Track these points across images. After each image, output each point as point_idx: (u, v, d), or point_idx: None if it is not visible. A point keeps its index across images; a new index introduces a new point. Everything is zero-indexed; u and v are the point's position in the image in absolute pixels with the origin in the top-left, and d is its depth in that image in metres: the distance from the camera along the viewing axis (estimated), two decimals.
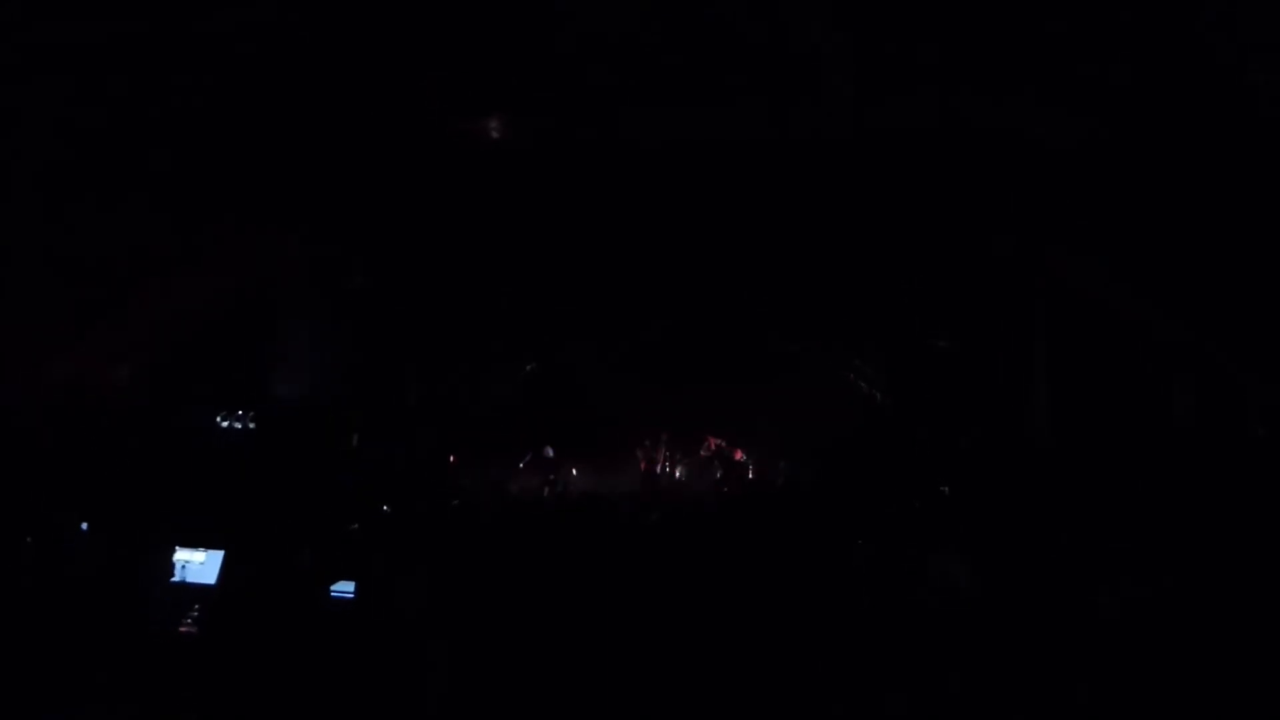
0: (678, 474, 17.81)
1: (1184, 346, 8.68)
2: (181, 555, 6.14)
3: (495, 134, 8.56)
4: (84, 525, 7.38)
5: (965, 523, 6.65)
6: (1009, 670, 3.54)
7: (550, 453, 17.35)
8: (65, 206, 9.27)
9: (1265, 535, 4.19)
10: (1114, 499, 5.54)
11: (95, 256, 11.21)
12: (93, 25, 6.59)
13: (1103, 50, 5.78)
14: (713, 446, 18.46)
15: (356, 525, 9.40)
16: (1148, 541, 4.36)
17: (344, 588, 5.60)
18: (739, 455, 18.19)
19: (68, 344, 12.65)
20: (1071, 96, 6.21)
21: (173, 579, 5.80)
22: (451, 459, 16.65)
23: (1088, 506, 5.78)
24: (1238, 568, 4.01)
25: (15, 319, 9.49)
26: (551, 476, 16.92)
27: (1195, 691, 3.26)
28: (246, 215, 12.03)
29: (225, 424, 8.88)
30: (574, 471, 17.65)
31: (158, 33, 6.83)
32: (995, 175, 8.39)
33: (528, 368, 18.93)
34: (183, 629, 5.07)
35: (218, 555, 6.14)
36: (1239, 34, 5.13)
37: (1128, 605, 3.82)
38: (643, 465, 17.56)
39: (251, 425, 8.73)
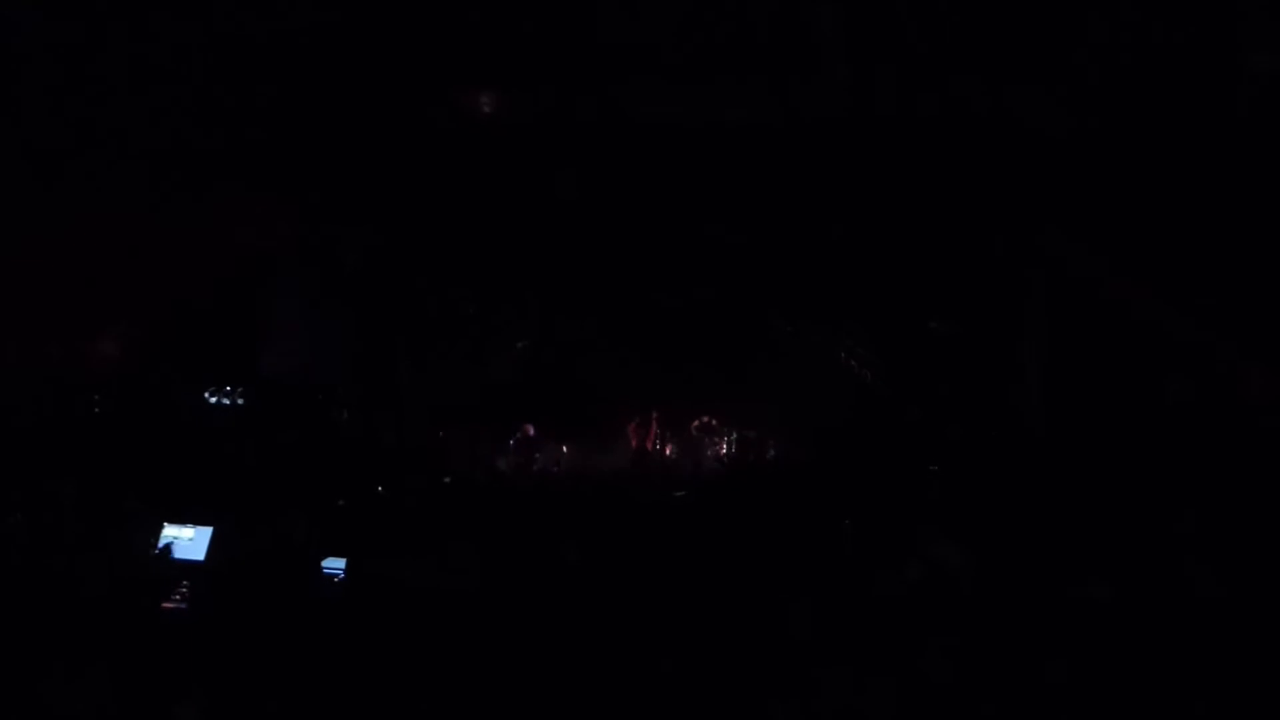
0: (668, 452, 17.83)
1: (1181, 333, 8.69)
2: (170, 532, 6.13)
3: (494, 112, 8.51)
4: (73, 501, 7.36)
5: (957, 504, 6.66)
6: (996, 652, 3.54)
7: (531, 431, 17.34)
8: (59, 182, 9.22)
9: (1259, 524, 4.20)
10: (1108, 485, 5.55)
11: (88, 232, 11.15)
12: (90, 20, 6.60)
13: (1100, 37, 5.76)
14: (704, 424, 18.47)
15: (343, 502, 9.40)
16: (1140, 530, 4.36)
17: (334, 564, 5.60)
18: (731, 434, 18.21)
19: (59, 319, 12.59)
20: (1069, 85, 6.20)
21: (160, 555, 5.79)
22: (441, 435, 16.64)
23: (1081, 492, 5.79)
24: (1232, 556, 4.02)
25: (6, 295, 9.44)
26: (536, 455, 16.90)
27: (1182, 683, 3.27)
28: (241, 191, 11.97)
29: (215, 400, 8.84)
30: (564, 449, 17.65)
31: (159, 21, 6.81)
32: (993, 161, 8.38)
33: (519, 345, 18.87)
34: (170, 605, 5.05)
35: (206, 532, 6.12)
36: (1237, 21, 5.11)
37: (1117, 593, 3.83)
38: (634, 443, 17.56)
39: (240, 402, 8.69)
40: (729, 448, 17.84)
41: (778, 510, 7.48)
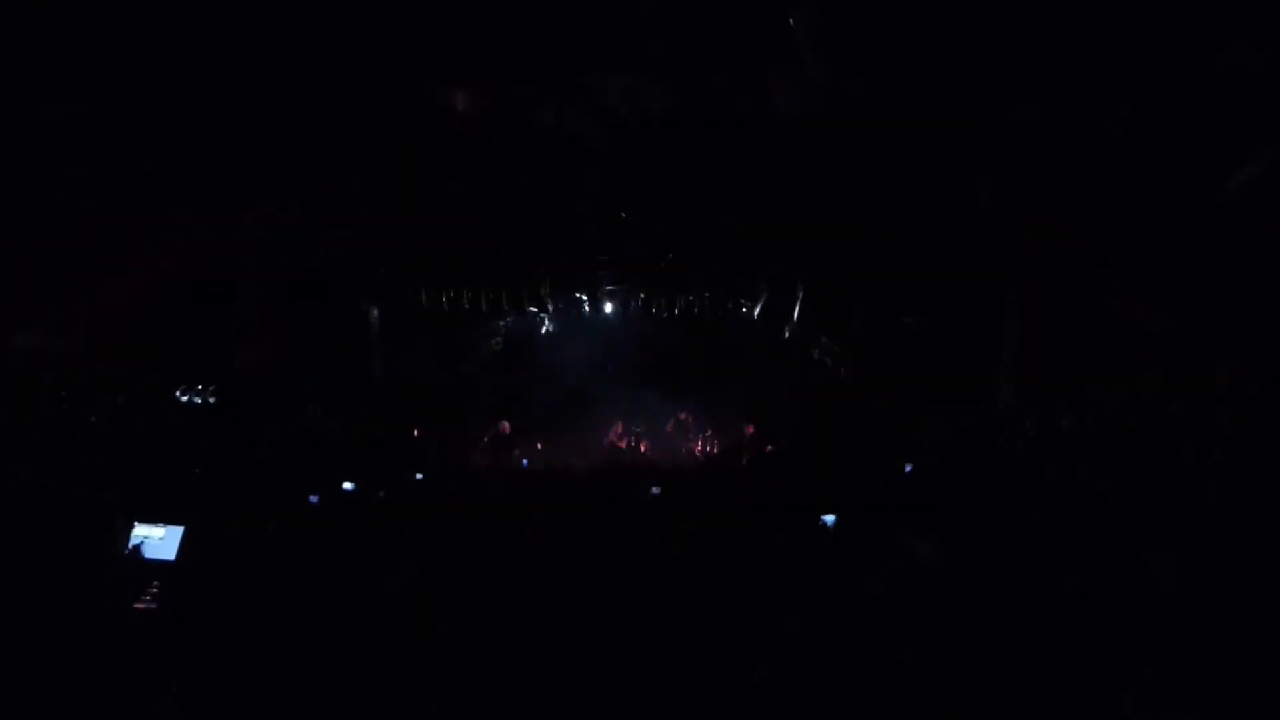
0: (643, 449, 17.82)
1: (1157, 329, 8.82)
2: (140, 531, 6.04)
3: (472, 105, 8.48)
4: (40, 500, 7.25)
5: (930, 500, 6.68)
6: (970, 648, 3.55)
7: (507, 428, 17.32)
8: (27, 176, 9.11)
9: (1228, 519, 4.24)
10: (1081, 479, 5.60)
11: (58, 230, 11.02)
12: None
13: (1080, 35, 5.81)
14: (680, 421, 18.47)
15: (316, 499, 9.32)
16: (1114, 524, 4.40)
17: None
18: (706, 431, 18.23)
19: (29, 318, 12.44)
20: (1050, 82, 6.25)
21: (131, 555, 5.71)
22: (416, 433, 16.57)
23: (1054, 486, 5.84)
24: (1205, 549, 4.05)
25: None
26: (516, 451, 16.86)
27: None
28: (214, 188, 11.87)
29: (186, 399, 8.74)
30: (539, 446, 17.61)
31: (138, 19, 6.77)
32: (971, 155, 8.44)
33: (494, 342, 18.81)
34: (141, 606, 4.98)
35: (177, 531, 6.04)
36: (1214, 17, 5.16)
37: (1093, 587, 3.86)
38: (609, 441, 17.54)
39: (212, 400, 8.60)
40: (705, 445, 17.86)
41: (755, 508, 7.49)
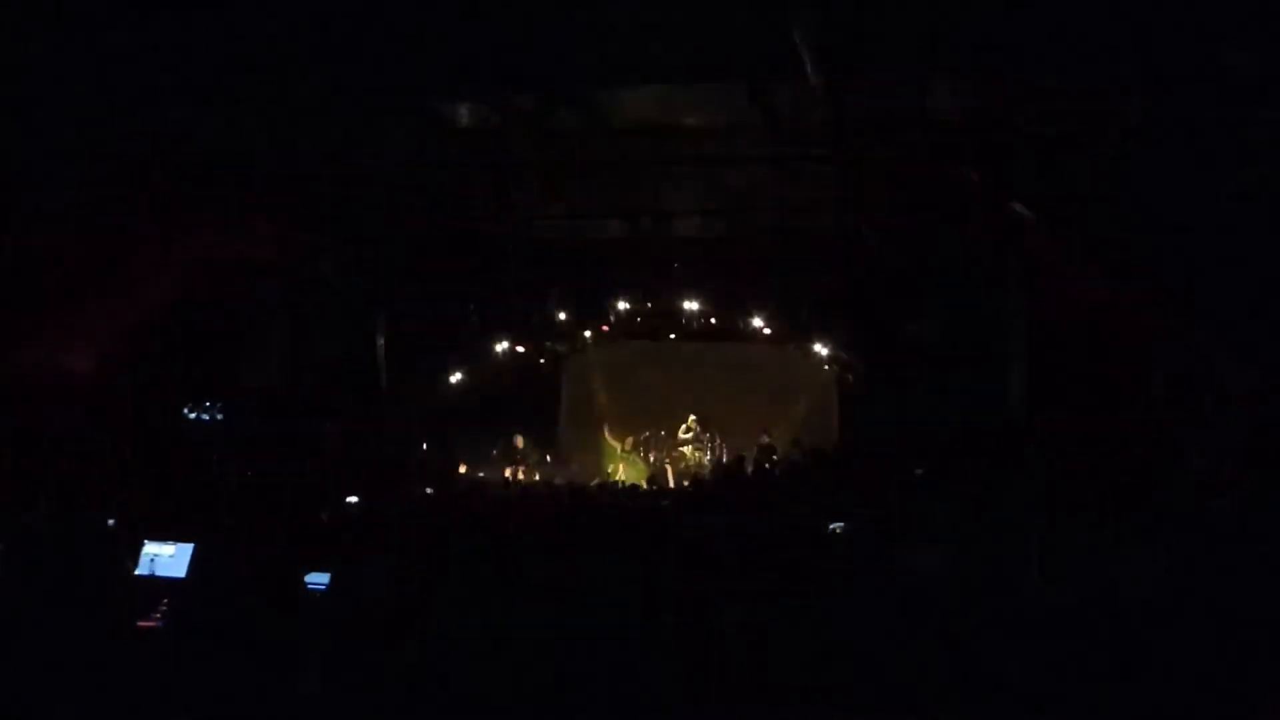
0: (651, 459, 17.82)
1: (1161, 330, 8.77)
2: (151, 549, 6.06)
3: (473, 117, 8.50)
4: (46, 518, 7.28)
5: (939, 507, 6.67)
6: (976, 655, 3.55)
7: (519, 441, 17.34)
8: (34, 192, 9.16)
9: (1238, 521, 4.22)
10: (1088, 482, 5.58)
11: (64, 242, 11.07)
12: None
13: (1076, 37, 5.81)
14: (690, 430, 18.46)
15: (326, 515, 9.33)
16: (1121, 525, 4.39)
17: (318, 579, 5.54)
18: (716, 440, 18.21)
19: (35, 332, 12.49)
20: (1048, 86, 6.25)
21: (141, 572, 5.73)
22: (424, 447, 16.59)
23: (1062, 490, 5.82)
24: (1212, 552, 4.04)
25: None
26: (525, 465, 16.88)
27: (1166, 685, 3.28)
28: (220, 202, 11.92)
29: (194, 415, 8.77)
30: (547, 458, 17.62)
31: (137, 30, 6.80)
32: (971, 159, 8.44)
33: (499, 351, 18.82)
34: (150, 624, 4.99)
35: (187, 548, 6.06)
36: (1215, 18, 5.17)
37: (1095, 588, 3.86)
38: (619, 451, 17.56)
39: (220, 416, 8.62)
40: (714, 454, 17.83)
41: (764, 517, 7.49)
